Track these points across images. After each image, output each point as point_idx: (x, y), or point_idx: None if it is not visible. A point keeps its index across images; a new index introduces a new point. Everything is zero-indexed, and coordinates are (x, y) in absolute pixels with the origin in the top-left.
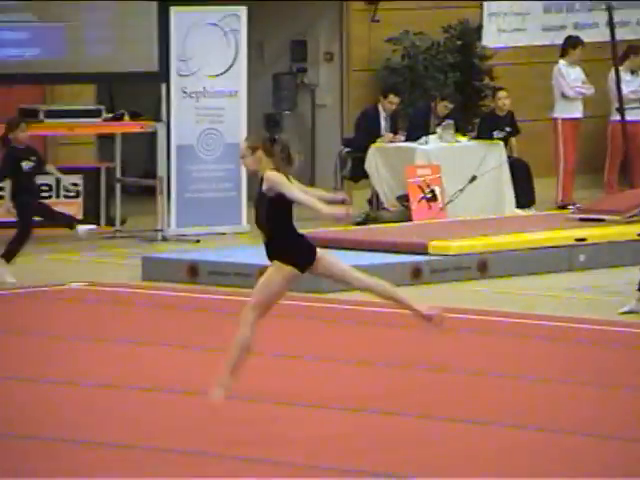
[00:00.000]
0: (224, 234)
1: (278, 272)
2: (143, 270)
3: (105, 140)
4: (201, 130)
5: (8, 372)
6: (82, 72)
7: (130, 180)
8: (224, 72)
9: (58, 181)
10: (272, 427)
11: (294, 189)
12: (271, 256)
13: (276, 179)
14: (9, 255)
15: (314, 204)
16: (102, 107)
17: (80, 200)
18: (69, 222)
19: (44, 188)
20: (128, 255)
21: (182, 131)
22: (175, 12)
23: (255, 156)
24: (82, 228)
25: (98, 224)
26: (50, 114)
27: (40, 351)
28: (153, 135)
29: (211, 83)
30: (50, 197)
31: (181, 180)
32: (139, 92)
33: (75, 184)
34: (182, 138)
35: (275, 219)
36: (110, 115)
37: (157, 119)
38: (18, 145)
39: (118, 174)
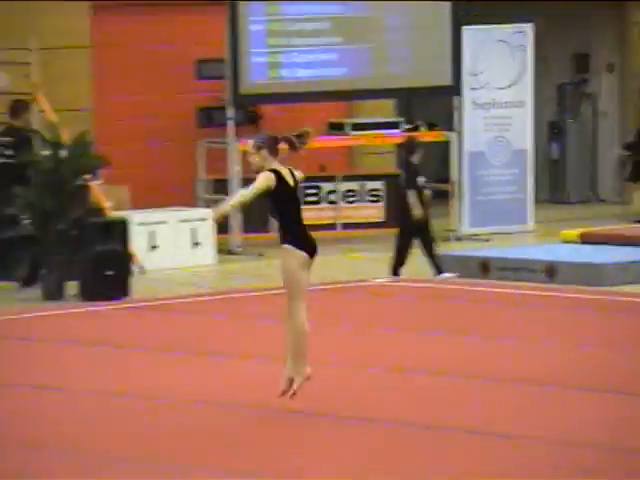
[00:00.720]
0: (511, 233)
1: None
2: None
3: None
4: (490, 138)
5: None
6: (385, 88)
7: (426, 185)
8: (512, 84)
9: (362, 186)
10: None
11: (250, 189)
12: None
13: (256, 181)
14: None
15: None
16: (401, 119)
17: (382, 204)
18: (439, 269)
19: (350, 193)
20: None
21: (473, 139)
22: (466, 30)
23: (260, 154)
24: (444, 275)
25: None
26: (355, 126)
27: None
28: (446, 143)
29: (500, 95)
30: (354, 201)
31: (473, 184)
32: (433, 105)
33: (377, 189)
34: (474, 145)
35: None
36: (408, 126)
37: (450, 129)
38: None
39: None
